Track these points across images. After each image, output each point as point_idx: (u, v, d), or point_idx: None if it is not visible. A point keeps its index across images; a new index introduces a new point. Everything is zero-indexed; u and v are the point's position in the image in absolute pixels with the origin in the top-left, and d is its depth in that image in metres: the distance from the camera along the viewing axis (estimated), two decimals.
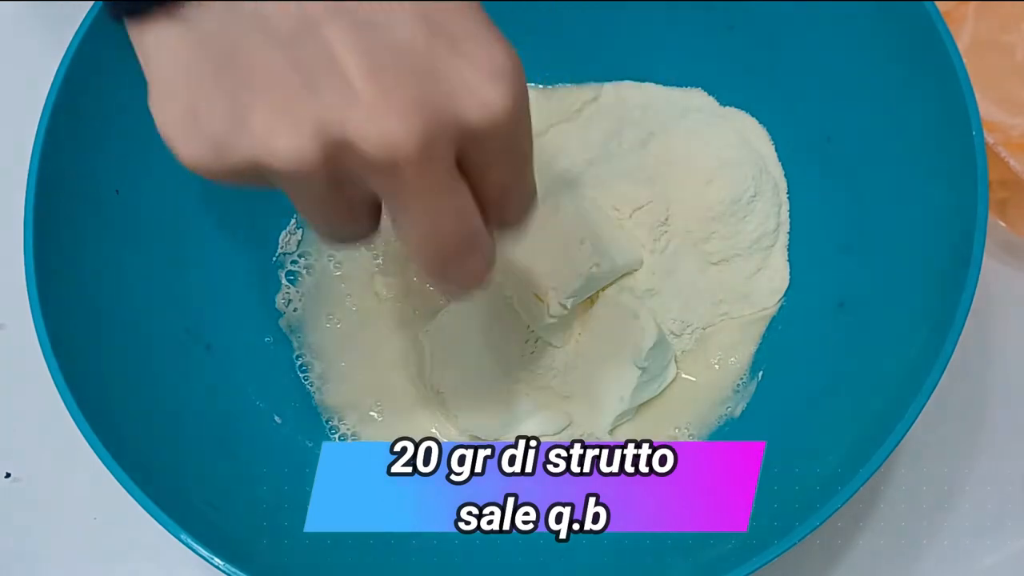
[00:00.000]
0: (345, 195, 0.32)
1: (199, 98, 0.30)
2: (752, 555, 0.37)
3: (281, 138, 0.29)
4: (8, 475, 0.52)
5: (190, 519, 0.39)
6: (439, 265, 0.33)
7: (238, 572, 0.38)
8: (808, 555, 0.47)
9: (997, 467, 0.49)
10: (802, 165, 0.52)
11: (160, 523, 0.38)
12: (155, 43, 0.31)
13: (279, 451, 0.49)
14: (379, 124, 0.29)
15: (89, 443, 0.39)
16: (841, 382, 0.46)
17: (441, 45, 0.30)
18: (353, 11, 0.29)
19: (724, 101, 0.55)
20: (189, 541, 0.38)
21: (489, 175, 0.32)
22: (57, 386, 0.40)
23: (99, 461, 0.39)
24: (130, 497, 0.38)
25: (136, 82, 0.33)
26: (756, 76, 0.53)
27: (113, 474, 0.39)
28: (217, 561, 0.38)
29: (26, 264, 0.41)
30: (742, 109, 0.55)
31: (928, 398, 0.37)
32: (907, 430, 0.37)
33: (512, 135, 0.31)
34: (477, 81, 0.30)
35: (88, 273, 0.44)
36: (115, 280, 0.45)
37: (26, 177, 0.42)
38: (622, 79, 0.57)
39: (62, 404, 0.40)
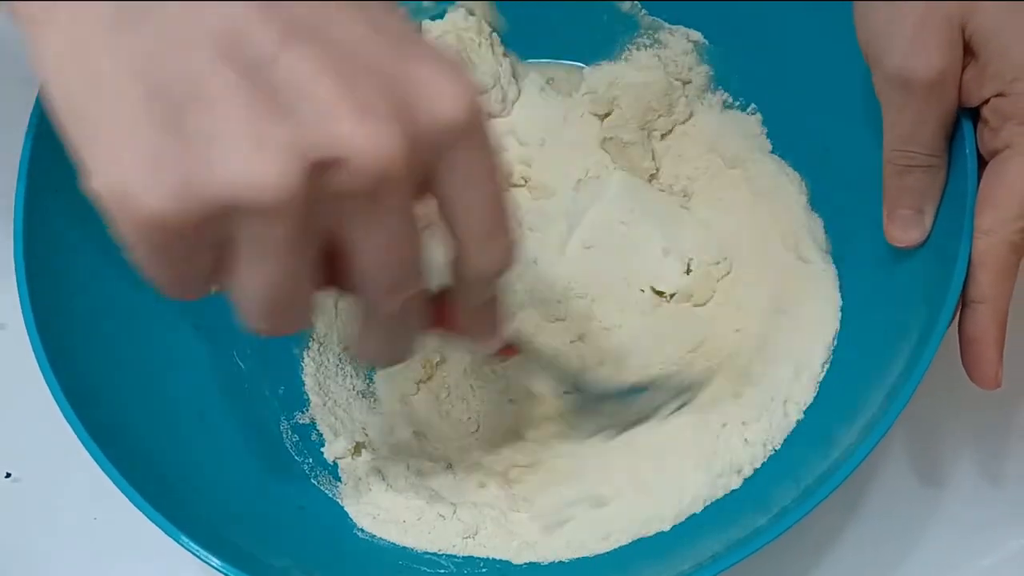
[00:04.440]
0: (310, 241, 0.27)
1: (157, 135, 0.25)
2: (744, 544, 0.37)
3: (261, 164, 0.25)
4: (8, 475, 0.52)
5: (187, 520, 0.39)
6: (391, 297, 0.30)
7: (237, 572, 0.38)
8: (804, 554, 0.47)
9: (995, 466, 0.49)
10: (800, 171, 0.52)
11: (157, 525, 0.38)
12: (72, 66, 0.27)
13: (278, 454, 0.49)
14: (369, 136, 0.25)
15: (87, 448, 0.39)
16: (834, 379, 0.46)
17: (388, 44, 0.27)
18: (287, 12, 0.26)
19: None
20: (188, 543, 0.38)
21: (462, 191, 0.29)
22: (51, 389, 0.40)
23: None
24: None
25: None
26: (757, 83, 0.54)
27: (110, 477, 0.39)
28: (215, 561, 0.38)
29: (16, 265, 0.41)
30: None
31: (912, 394, 0.38)
32: (892, 423, 0.37)
33: (481, 135, 0.28)
34: (436, 78, 0.27)
35: (84, 273, 0.44)
36: (111, 280, 0.45)
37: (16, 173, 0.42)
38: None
39: None
